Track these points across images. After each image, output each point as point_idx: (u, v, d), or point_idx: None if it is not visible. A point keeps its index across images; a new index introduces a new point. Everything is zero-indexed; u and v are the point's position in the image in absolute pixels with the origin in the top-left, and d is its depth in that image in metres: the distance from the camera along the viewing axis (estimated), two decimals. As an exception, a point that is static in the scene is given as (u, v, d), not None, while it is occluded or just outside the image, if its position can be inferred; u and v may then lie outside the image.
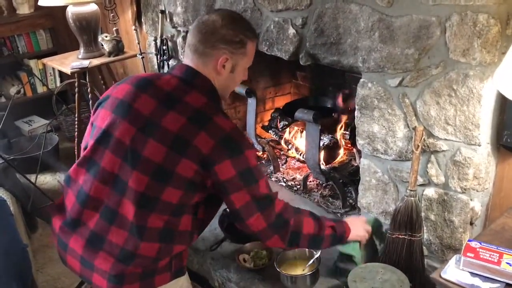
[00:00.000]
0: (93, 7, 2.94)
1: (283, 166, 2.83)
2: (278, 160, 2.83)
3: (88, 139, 1.55)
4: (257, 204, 1.46)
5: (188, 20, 2.54)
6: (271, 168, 2.80)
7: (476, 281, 1.14)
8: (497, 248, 1.18)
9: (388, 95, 1.73)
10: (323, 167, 2.49)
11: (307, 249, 2.01)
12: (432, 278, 1.21)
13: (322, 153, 2.61)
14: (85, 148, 1.56)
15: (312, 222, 1.58)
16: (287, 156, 2.86)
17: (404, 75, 1.65)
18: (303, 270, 1.94)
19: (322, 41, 1.87)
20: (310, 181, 2.66)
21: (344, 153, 2.70)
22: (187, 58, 1.53)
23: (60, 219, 1.52)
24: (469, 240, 1.22)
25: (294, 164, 2.85)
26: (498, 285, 1.13)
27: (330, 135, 2.68)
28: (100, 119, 1.51)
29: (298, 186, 2.65)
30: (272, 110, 3.00)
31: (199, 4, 2.43)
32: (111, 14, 2.97)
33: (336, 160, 2.65)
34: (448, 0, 1.45)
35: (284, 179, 2.72)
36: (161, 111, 1.42)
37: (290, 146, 2.78)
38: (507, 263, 1.13)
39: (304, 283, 1.92)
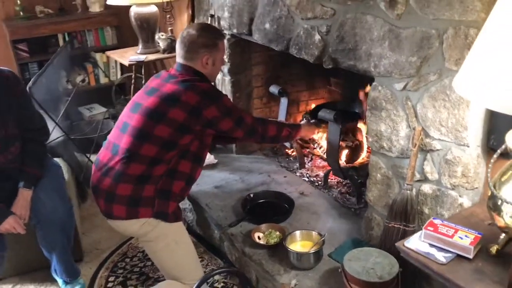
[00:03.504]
0: (153, 9, 3.32)
1: (309, 164, 3.07)
2: (305, 157, 3.07)
3: None
4: (236, 124, 2.10)
5: (233, 24, 2.84)
6: (297, 164, 3.04)
7: (433, 250, 1.33)
8: (455, 226, 1.37)
9: (394, 98, 1.94)
10: (342, 165, 2.70)
11: (313, 232, 2.24)
12: (397, 246, 1.41)
13: (345, 153, 2.83)
14: None
15: (275, 128, 2.29)
16: (313, 154, 3.09)
17: (408, 80, 1.86)
18: (309, 250, 2.17)
19: (342, 47, 2.11)
20: (332, 179, 2.88)
21: (366, 155, 2.90)
22: (180, 61, 2.13)
23: (99, 171, 2.07)
24: (433, 218, 1.42)
25: (320, 163, 3.07)
26: (450, 255, 1.31)
27: (354, 137, 2.89)
28: (135, 97, 2.17)
29: (320, 182, 2.87)
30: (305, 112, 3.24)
31: (243, 11, 2.73)
32: (168, 16, 3.33)
33: (357, 161, 2.85)
34: (445, 15, 1.65)
35: (308, 175, 2.95)
36: (162, 84, 2.06)
37: (316, 145, 3.01)
38: (459, 237, 1.31)
39: (308, 260, 2.15)
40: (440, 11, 1.66)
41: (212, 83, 2.23)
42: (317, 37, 2.23)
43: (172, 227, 2.06)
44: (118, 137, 2.05)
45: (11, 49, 3.95)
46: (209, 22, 3.06)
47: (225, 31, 2.99)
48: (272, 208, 2.62)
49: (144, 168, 1.96)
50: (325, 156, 2.90)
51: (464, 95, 1.16)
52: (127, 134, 2.01)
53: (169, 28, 3.39)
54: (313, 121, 2.57)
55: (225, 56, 3.00)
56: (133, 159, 1.97)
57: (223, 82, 3.14)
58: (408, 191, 1.93)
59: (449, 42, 1.67)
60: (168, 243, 2.05)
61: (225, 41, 2.26)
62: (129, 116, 2.06)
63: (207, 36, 2.10)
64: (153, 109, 1.98)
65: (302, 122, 2.55)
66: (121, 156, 1.99)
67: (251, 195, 2.68)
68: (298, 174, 2.99)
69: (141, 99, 2.07)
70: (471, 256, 1.30)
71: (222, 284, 2.43)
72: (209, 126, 2.05)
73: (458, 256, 1.31)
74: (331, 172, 2.81)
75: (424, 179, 1.92)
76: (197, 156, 2.11)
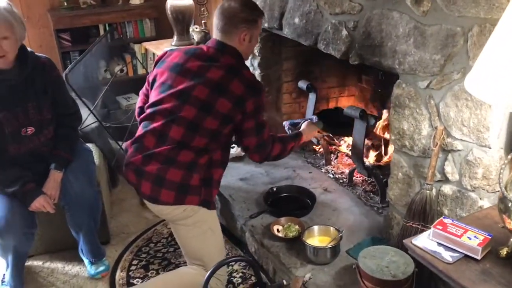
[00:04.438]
0: (188, 1, 3.38)
1: (335, 161, 3.06)
2: (331, 154, 3.06)
3: (145, 91, 2.22)
4: (256, 129, 2.05)
5: (264, 19, 2.84)
6: (323, 160, 3.04)
7: (440, 249, 1.31)
8: (465, 226, 1.34)
9: (418, 96, 1.91)
10: (367, 163, 2.68)
11: (331, 228, 2.25)
12: (404, 243, 1.40)
13: (372, 152, 2.81)
14: (145, 96, 2.22)
15: (280, 146, 2.19)
16: (339, 151, 3.07)
17: (431, 78, 1.83)
18: (326, 245, 2.17)
19: (368, 43, 2.09)
20: (356, 177, 2.86)
21: (393, 155, 2.86)
22: (216, 36, 2.10)
23: (140, 154, 2.01)
24: (444, 217, 1.40)
25: (346, 160, 3.05)
26: (457, 255, 1.29)
27: (382, 136, 2.86)
28: (159, 76, 2.10)
29: (345, 179, 2.86)
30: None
31: (274, 5, 2.75)
32: (202, 9, 3.38)
33: (383, 160, 2.82)
34: (471, 13, 1.62)
35: (333, 172, 2.94)
36: (205, 67, 2.01)
37: (342, 142, 3.00)
38: (468, 237, 1.29)
39: (325, 255, 2.15)
40: (466, 8, 1.63)
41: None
42: (344, 32, 2.22)
43: (211, 215, 2.10)
44: (164, 126, 1.99)
45: (55, 38, 4.11)
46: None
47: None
48: (294, 202, 2.64)
49: (193, 156, 1.97)
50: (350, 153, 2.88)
51: (474, 93, 1.14)
52: (176, 125, 1.97)
53: (203, 21, 3.44)
54: (315, 120, 2.51)
55: (256, 49, 3.04)
56: (184, 147, 1.97)
57: (253, 76, 3.16)
58: (428, 191, 1.90)
59: (474, 40, 1.63)
60: (205, 230, 2.07)
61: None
62: (175, 105, 1.99)
63: (248, 12, 2.07)
64: (203, 99, 1.96)
65: (302, 125, 2.47)
66: (170, 144, 1.97)
67: (274, 189, 2.70)
68: (323, 170, 2.98)
69: (184, 86, 1.99)
70: (478, 257, 1.28)
71: (240, 274, 2.46)
72: (246, 119, 2.01)
73: (466, 256, 1.29)
74: (356, 170, 2.80)
75: (445, 180, 1.89)
76: (227, 143, 2.14)
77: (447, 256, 1.30)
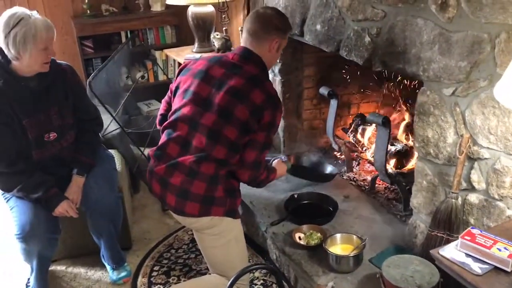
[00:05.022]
0: (209, 8, 3.41)
1: (357, 167, 3.03)
2: (353, 161, 3.04)
3: (167, 99, 2.23)
4: (263, 145, 2.03)
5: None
6: (345, 167, 3.01)
7: (469, 261, 1.29)
8: (494, 237, 1.32)
9: (443, 103, 1.89)
10: (390, 170, 2.65)
11: (354, 236, 2.23)
12: (431, 253, 1.38)
13: (394, 159, 2.77)
14: (168, 104, 2.23)
15: (265, 174, 2.16)
16: (361, 158, 3.05)
17: (457, 86, 1.80)
18: (349, 253, 2.15)
19: (391, 49, 2.07)
20: (379, 184, 2.83)
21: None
22: (245, 41, 2.09)
23: (164, 163, 1.99)
24: (471, 228, 1.37)
25: (368, 167, 3.03)
26: (487, 266, 1.27)
27: (404, 143, 2.83)
28: (182, 83, 2.10)
29: (367, 187, 2.84)
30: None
31: (295, 11, 2.75)
32: (223, 15, 3.40)
33: (406, 167, 2.78)
34: (498, 19, 1.59)
35: (355, 179, 2.92)
36: (228, 75, 2.01)
37: (364, 149, 2.97)
38: (498, 248, 1.26)
39: (347, 263, 2.13)
40: (493, 15, 1.60)
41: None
42: (367, 39, 2.21)
43: (236, 223, 2.09)
44: (189, 133, 1.99)
45: (78, 45, 4.18)
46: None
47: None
48: (316, 209, 2.62)
49: (214, 167, 1.96)
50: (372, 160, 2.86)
51: (504, 102, 1.12)
52: (199, 133, 1.97)
53: (224, 28, 3.45)
54: (284, 159, 2.49)
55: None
56: (205, 159, 1.95)
57: (274, 82, 3.16)
58: (453, 200, 1.87)
59: (502, 47, 1.61)
60: (229, 239, 2.06)
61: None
62: (197, 111, 1.99)
63: (282, 21, 2.12)
64: (223, 106, 1.96)
65: (273, 162, 2.39)
66: (193, 154, 1.96)
67: (295, 196, 2.69)
68: (345, 177, 2.96)
69: (207, 93, 2.00)
70: (509, 269, 1.25)
71: (261, 281, 2.46)
72: (259, 130, 1.99)
73: (496, 268, 1.27)
74: (378, 177, 2.77)
75: (471, 188, 1.86)
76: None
77: (476, 267, 1.27)
